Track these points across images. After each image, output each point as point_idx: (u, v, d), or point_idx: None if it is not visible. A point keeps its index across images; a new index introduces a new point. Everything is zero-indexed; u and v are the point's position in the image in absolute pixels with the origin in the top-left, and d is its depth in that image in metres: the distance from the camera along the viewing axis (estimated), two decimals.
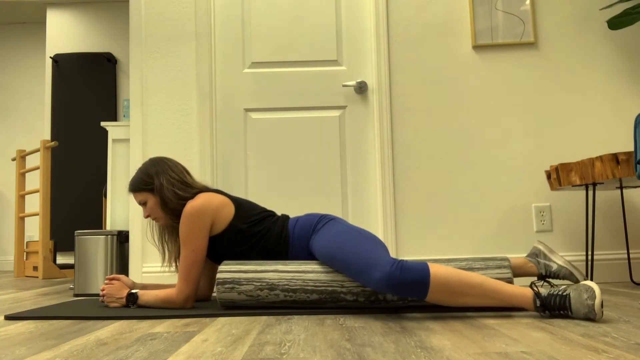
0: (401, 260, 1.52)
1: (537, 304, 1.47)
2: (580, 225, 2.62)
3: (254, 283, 1.74)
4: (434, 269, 1.50)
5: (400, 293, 1.50)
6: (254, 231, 1.87)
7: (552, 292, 1.47)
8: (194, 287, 1.82)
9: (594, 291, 1.40)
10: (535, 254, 2.08)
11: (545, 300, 1.46)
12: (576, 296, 1.43)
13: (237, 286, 1.74)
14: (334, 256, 1.67)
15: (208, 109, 2.70)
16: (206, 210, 1.84)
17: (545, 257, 2.03)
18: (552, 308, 1.46)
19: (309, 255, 1.86)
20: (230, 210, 1.89)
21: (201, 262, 1.83)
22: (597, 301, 1.39)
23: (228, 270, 1.77)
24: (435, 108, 2.70)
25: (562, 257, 2.10)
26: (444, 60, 2.72)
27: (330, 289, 1.71)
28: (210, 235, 1.88)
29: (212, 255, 1.95)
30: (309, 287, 1.71)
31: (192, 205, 1.83)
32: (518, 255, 2.60)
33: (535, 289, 1.49)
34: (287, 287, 1.72)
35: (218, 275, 1.77)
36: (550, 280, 2.36)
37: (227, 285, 1.75)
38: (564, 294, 1.45)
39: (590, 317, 1.41)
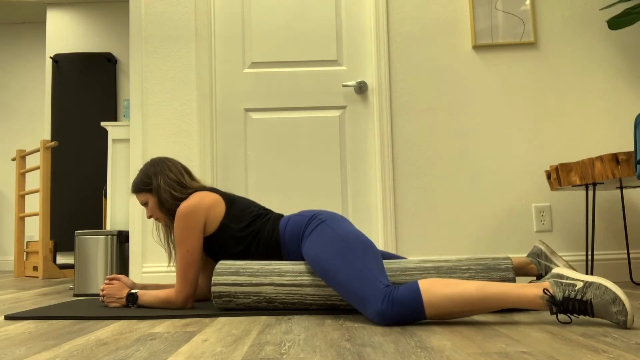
0: (392, 291, 1.44)
1: (553, 310, 1.37)
2: (580, 225, 2.62)
3: (251, 297, 1.71)
4: (427, 296, 1.41)
5: (396, 324, 1.46)
6: (245, 233, 1.84)
7: (567, 295, 1.36)
8: (193, 287, 1.81)
9: (624, 305, 1.29)
10: (536, 254, 2.05)
11: (562, 306, 1.36)
12: (600, 303, 1.32)
13: (234, 299, 1.72)
14: (325, 273, 1.60)
15: (208, 109, 2.70)
16: (198, 210, 1.82)
17: (547, 258, 2.01)
18: (571, 313, 1.36)
19: (302, 256, 1.82)
20: (221, 208, 1.86)
21: (197, 262, 1.82)
22: (630, 317, 1.29)
23: (222, 282, 1.72)
24: (435, 108, 2.70)
25: (563, 259, 2.08)
26: (444, 60, 2.72)
27: (329, 302, 1.69)
28: (205, 235, 1.86)
29: (210, 255, 1.94)
30: (308, 301, 1.69)
31: (184, 205, 1.82)
32: (518, 256, 2.60)
33: (548, 294, 1.37)
34: (285, 300, 1.70)
35: (213, 288, 1.73)
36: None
37: (224, 299, 1.72)
38: (584, 299, 1.34)
39: (621, 327, 1.33)
